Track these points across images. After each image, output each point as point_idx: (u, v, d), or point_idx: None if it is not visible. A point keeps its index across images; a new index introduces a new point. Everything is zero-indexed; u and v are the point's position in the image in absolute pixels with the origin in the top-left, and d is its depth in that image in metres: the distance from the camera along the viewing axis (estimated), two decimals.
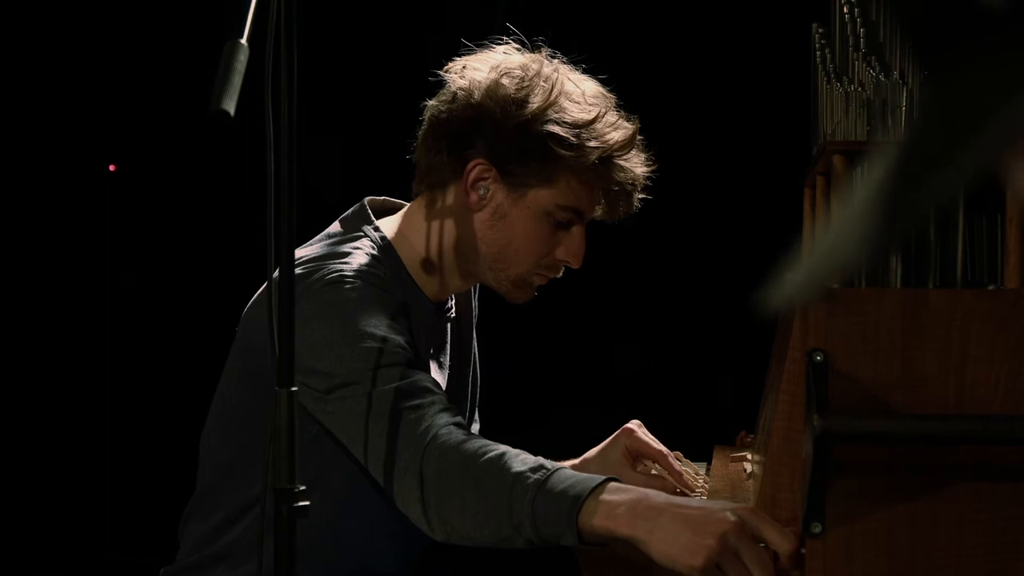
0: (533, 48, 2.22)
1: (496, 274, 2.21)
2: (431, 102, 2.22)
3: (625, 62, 2.29)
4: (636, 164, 2.19)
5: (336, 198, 2.34)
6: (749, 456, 2.36)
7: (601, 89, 2.21)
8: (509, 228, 2.17)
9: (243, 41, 1.59)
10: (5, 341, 4.30)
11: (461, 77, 2.18)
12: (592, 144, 2.13)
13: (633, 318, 3.90)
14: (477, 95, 2.15)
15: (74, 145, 4.26)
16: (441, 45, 2.28)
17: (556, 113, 2.13)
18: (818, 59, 2.09)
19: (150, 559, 2.64)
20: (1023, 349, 1.60)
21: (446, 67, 2.22)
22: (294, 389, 1.67)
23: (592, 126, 2.14)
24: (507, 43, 2.23)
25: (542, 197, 2.16)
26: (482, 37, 2.23)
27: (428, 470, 1.89)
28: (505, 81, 2.15)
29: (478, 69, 2.18)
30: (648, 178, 2.23)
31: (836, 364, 1.61)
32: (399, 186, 2.34)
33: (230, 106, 1.54)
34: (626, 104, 2.24)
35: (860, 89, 1.80)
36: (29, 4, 4.19)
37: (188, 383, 3.75)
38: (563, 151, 2.12)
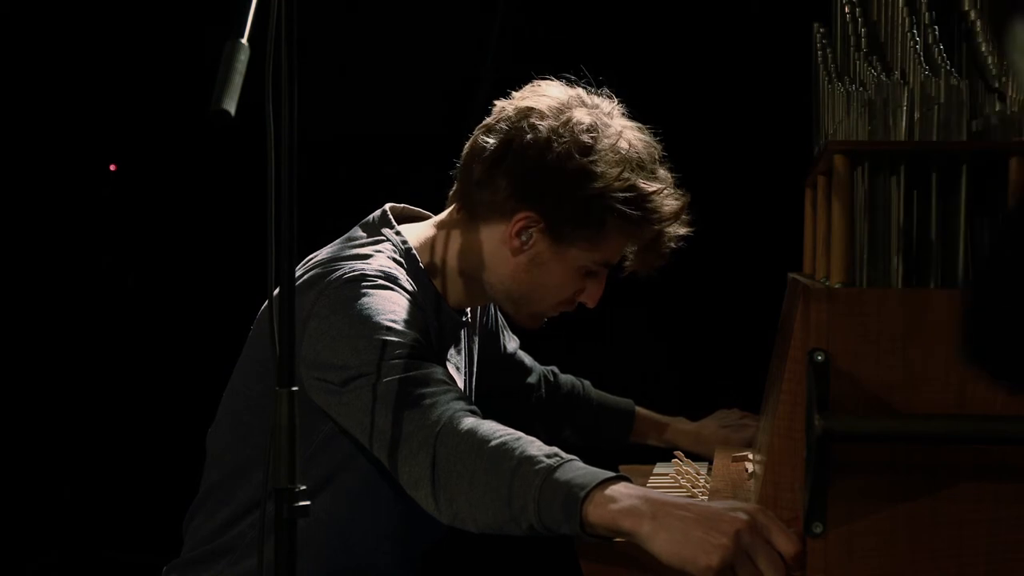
0: (587, 87, 2.22)
1: (516, 306, 2.26)
2: (484, 137, 2.19)
3: (626, 62, 2.28)
4: (679, 227, 2.24)
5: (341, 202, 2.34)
6: (750, 456, 2.36)
7: (646, 137, 2.21)
8: (544, 275, 2.21)
9: (243, 41, 1.58)
10: (6, 341, 4.30)
11: (528, 128, 2.16)
12: (649, 215, 2.17)
13: (633, 317, 3.90)
14: (549, 157, 2.14)
15: (74, 145, 4.26)
16: (438, 45, 2.27)
17: (622, 191, 2.14)
18: (819, 59, 2.09)
19: (149, 557, 2.64)
20: None
21: (501, 105, 2.22)
22: (295, 389, 1.67)
23: (652, 197, 2.17)
24: (553, 80, 2.23)
25: (584, 256, 2.20)
26: (482, 38, 2.22)
27: (442, 449, 1.88)
28: (576, 150, 2.14)
29: (544, 117, 2.16)
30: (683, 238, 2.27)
31: (837, 364, 1.61)
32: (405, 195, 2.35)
33: (230, 106, 1.54)
34: (626, 104, 2.23)
35: (861, 89, 1.80)
36: (29, 4, 4.19)
37: (188, 383, 3.76)
38: (623, 223, 2.16)
